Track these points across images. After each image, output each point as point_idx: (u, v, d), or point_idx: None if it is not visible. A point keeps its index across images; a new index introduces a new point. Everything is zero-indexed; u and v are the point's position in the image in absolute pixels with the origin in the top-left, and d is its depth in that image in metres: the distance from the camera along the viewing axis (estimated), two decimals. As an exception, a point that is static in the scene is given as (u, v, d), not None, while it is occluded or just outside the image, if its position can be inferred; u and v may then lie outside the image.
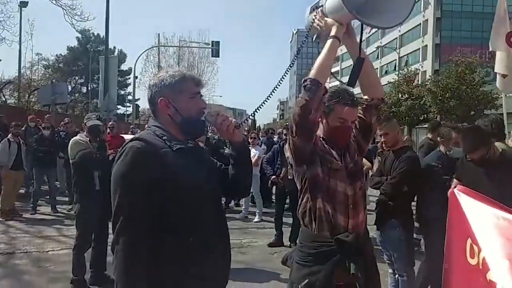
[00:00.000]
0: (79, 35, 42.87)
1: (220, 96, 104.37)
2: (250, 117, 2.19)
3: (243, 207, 8.41)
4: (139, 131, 11.68)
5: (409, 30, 50.69)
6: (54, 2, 13.47)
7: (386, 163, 3.94)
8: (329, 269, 1.98)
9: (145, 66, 34.75)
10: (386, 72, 52.15)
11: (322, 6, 2.12)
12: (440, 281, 2.35)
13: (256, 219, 7.91)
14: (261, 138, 10.73)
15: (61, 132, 9.42)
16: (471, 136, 3.27)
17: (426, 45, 47.07)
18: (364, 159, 3.23)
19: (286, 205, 6.55)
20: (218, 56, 27.08)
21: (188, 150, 1.70)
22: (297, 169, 2.14)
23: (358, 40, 2.16)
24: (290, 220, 6.22)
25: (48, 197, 8.64)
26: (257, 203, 8.19)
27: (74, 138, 4.56)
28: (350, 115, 2.11)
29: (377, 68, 51.62)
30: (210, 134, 10.17)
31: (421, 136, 16.33)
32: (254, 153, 7.50)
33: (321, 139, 2.15)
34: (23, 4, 20.88)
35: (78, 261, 4.30)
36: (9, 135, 7.84)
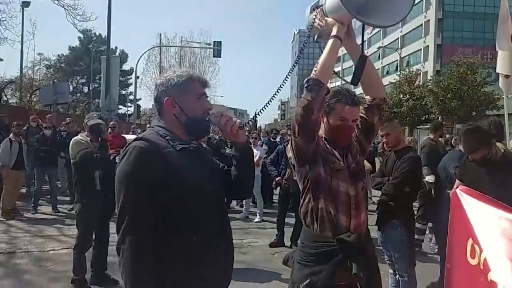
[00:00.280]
0: (81, 35, 43.01)
1: (222, 96, 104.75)
2: (252, 120, 2.19)
3: (244, 207, 8.41)
4: (139, 131, 11.75)
5: (411, 30, 50.68)
6: (56, 2, 13.52)
7: (387, 164, 3.93)
8: (331, 269, 1.98)
9: (147, 66, 34.87)
10: (387, 73, 52.12)
11: (322, 5, 2.11)
12: None
13: (257, 219, 7.91)
14: (262, 139, 10.74)
15: (62, 132, 9.43)
16: (472, 137, 3.27)
17: (428, 46, 47.02)
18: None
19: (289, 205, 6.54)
20: (220, 56, 27.18)
21: (191, 150, 1.70)
22: (299, 169, 2.13)
23: (358, 41, 2.16)
24: (291, 221, 6.23)
25: (49, 196, 8.65)
26: (258, 203, 8.19)
27: (75, 137, 4.54)
28: (351, 114, 2.11)
29: (379, 69, 51.60)
30: (211, 134, 10.18)
31: (422, 136, 16.30)
32: (255, 153, 7.50)
33: (323, 139, 2.15)
34: (25, 4, 20.96)
35: (79, 261, 4.30)
36: (11, 135, 7.85)
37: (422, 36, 47.96)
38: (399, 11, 1.95)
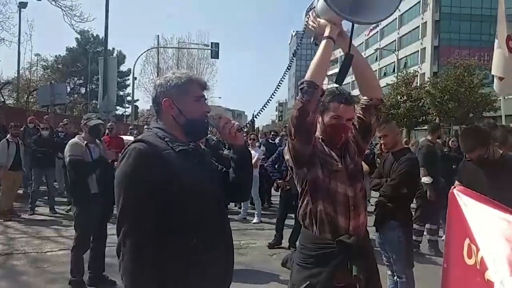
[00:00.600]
0: (78, 36, 42.87)
1: (219, 98, 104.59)
2: (250, 122, 2.19)
3: (242, 208, 8.41)
4: (135, 132, 11.73)
5: (408, 32, 50.85)
6: (53, 3, 13.50)
7: (385, 165, 3.95)
8: (330, 271, 1.97)
9: (144, 67, 34.87)
10: (385, 74, 52.25)
11: (315, 7, 2.12)
12: None
13: (255, 220, 7.91)
14: (260, 140, 10.74)
15: (59, 133, 9.42)
16: (469, 136, 3.30)
17: (425, 48, 47.19)
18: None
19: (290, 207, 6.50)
20: (218, 58, 27.00)
21: (191, 152, 1.70)
22: (297, 171, 2.13)
23: (356, 41, 2.16)
24: (290, 222, 6.23)
25: (46, 197, 8.62)
26: (256, 204, 8.19)
27: (72, 140, 4.46)
28: (345, 112, 2.10)
29: (376, 70, 51.69)
30: (209, 136, 10.18)
31: (420, 138, 16.36)
32: (253, 154, 7.49)
33: (320, 141, 2.15)
34: (22, 5, 20.88)
35: (77, 262, 4.28)
36: (8, 136, 7.82)
37: (419, 38, 48.11)
38: (387, 6, 1.94)
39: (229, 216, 1.95)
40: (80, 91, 45.16)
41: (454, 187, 2.32)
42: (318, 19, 2.08)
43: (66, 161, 4.26)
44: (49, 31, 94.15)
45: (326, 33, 2.00)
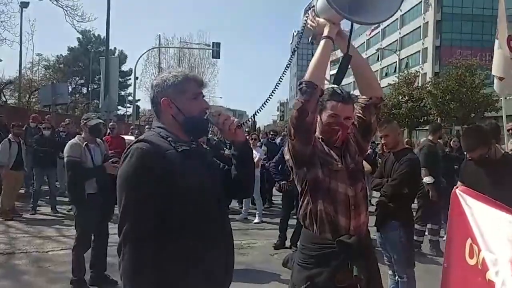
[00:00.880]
0: (80, 36, 42.96)
1: (221, 97, 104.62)
2: (251, 119, 2.18)
3: (243, 208, 8.41)
4: (137, 132, 11.74)
5: (410, 32, 50.78)
6: (55, 2, 13.51)
7: (386, 165, 3.95)
8: (331, 271, 1.97)
9: (146, 67, 34.85)
10: (386, 74, 52.21)
11: (314, 6, 2.11)
12: None
13: (256, 220, 7.91)
14: (262, 140, 10.74)
15: (61, 133, 9.44)
16: (471, 136, 3.31)
17: (427, 48, 47.12)
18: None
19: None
20: (219, 57, 27.03)
21: (193, 151, 1.70)
22: (297, 171, 2.12)
23: (356, 41, 2.15)
24: (292, 222, 6.23)
25: (48, 197, 8.64)
26: (257, 204, 8.19)
27: (71, 140, 4.44)
28: (343, 110, 2.09)
29: (377, 70, 51.66)
30: (210, 135, 10.18)
31: (421, 138, 16.35)
32: (255, 154, 7.49)
33: (320, 140, 2.14)
34: (24, 5, 20.93)
35: (78, 262, 4.29)
36: (10, 135, 7.83)
37: (421, 38, 48.05)
38: (388, 6, 1.93)
39: (230, 216, 1.95)
40: (81, 91, 45.27)
41: (457, 187, 2.32)
42: (317, 18, 2.08)
43: (64, 161, 4.27)
44: (51, 31, 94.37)
45: (325, 33, 2.00)
